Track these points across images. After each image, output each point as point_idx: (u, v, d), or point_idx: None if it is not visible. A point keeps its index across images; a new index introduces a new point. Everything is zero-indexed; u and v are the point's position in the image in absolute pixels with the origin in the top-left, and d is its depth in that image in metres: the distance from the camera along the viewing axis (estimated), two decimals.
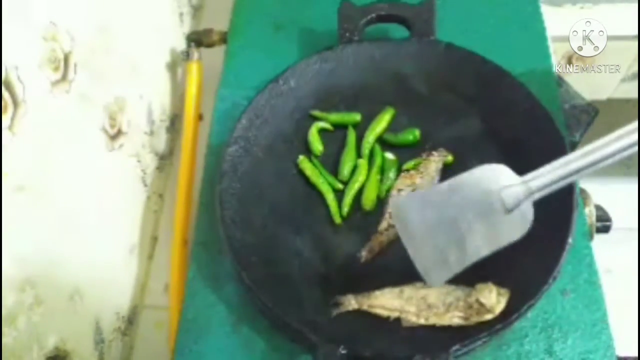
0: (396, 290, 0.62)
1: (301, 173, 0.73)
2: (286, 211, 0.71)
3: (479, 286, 0.60)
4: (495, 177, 0.57)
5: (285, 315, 0.60)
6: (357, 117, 0.76)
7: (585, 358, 0.61)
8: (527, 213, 0.56)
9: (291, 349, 0.63)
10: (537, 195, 0.56)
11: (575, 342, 0.62)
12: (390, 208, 0.64)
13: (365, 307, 0.62)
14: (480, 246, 0.57)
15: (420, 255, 0.59)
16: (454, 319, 0.60)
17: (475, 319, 0.59)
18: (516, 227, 0.57)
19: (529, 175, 0.56)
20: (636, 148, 0.51)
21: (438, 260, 0.59)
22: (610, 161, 0.53)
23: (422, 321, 0.60)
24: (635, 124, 0.51)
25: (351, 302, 0.62)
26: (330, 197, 0.71)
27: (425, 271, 0.59)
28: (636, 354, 0.66)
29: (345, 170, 0.73)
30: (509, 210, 0.56)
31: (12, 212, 0.53)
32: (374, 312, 0.62)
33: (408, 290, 0.62)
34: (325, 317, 0.62)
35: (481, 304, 0.59)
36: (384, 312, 0.62)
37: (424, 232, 0.59)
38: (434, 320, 0.60)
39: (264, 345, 0.64)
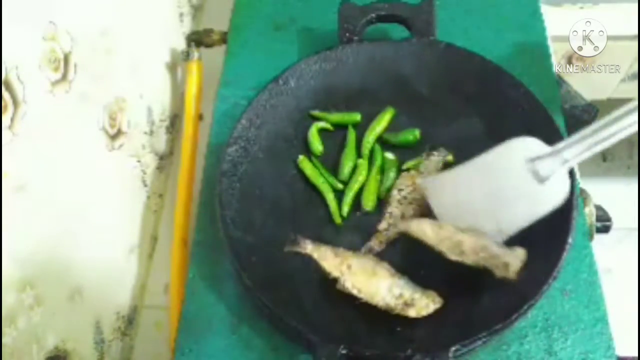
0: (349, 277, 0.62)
1: (301, 173, 0.73)
2: (286, 211, 0.70)
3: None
4: (526, 149, 0.57)
5: (285, 315, 0.60)
6: (357, 117, 0.76)
7: (585, 358, 0.61)
8: (562, 181, 0.56)
9: (291, 349, 0.63)
10: (570, 164, 0.56)
11: (575, 341, 0.62)
12: (423, 189, 0.63)
13: (315, 256, 0.62)
14: (517, 219, 0.57)
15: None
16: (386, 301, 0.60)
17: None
18: (552, 196, 0.57)
19: (560, 145, 0.56)
20: None
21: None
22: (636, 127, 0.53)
23: (358, 288, 0.60)
24: None
25: (306, 247, 0.63)
26: (330, 197, 0.71)
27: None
28: (636, 354, 0.66)
29: (345, 170, 0.73)
30: (543, 180, 0.56)
31: (12, 212, 0.53)
32: (322, 265, 0.62)
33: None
34: (325, 317, 0.62)
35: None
36: (329, 267, 0.62)
37: (458, 211, 0.59)
38: (370, 290, 0.60)
39: (264, 345, 0.64)
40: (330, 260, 0.63)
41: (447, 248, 0.60)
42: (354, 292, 0.62)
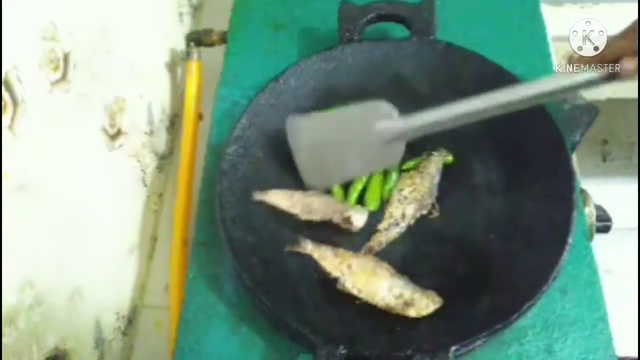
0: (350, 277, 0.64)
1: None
2: (286, 211, 0.70)
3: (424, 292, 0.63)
4: (379, 112, 0.65)
5: (285, 315, 0.60)
6: None
7: (585, 357, 0.61)
8: (398, 148, 0.65)
9: (291, 349, 0.63)
10: (410, 135, 0.65)
11: (575, 341, 0.62)
12: (287, 128, 0.69)
13: (315, 255, 0.64)
14: (358, 168, 0.69)
15: (306, 166, 0.69)
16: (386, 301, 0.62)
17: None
18: (389, 158, 0.67)
19: (407, 116, 0.64)
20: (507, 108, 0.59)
21: (321, 172, 0.69)
22: (486, 114, 0.60)
23: (358, 287, 0.62)
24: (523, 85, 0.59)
25: (306, 247, 0.65)
26: (336, 187, 0.71)
27: (308, 177, 0.69)
28: (636, 354, 0.66)
29: None
30: (384, 144, 0.65)
31: (12, 212, 0.53)
32: (322, 265, 0.64)
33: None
34: (325, 317, 0.62)
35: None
36: (329, 267, 0.64)
37: (313, 148, 0.68)
38: (370, 290, 0.62)
39: (264, 345, 0.64)
40: (330, 260, 0.64)
41: (299, 210, 0.69)
42: (354, 292, 0.62)
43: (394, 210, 0.69)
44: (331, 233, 0.69)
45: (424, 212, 0.69)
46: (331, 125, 0.69)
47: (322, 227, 0.69)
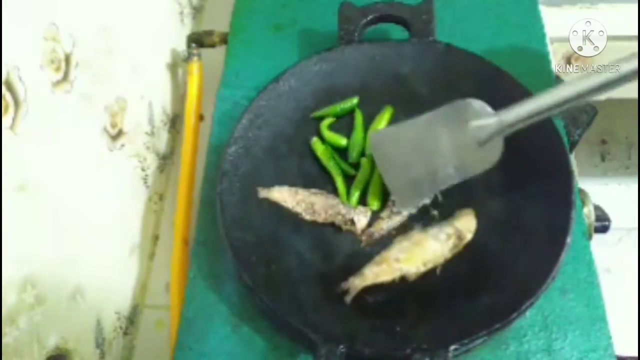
0: (388, 252, 0.64)
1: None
2: (286, 211, 0.71)
3: (457, 213, 0.66)
4: (469, 111, 0.60)
5: (285, 315, 0.60)
6: (354, 100, 0.77)
7: (584, 357, 0.62)
8: (497, 146, 0.60)
9: (291, 349, 0.63)
10: (507, 131, 0.59)
11: (574, 341, 0.62)
12: (369, 143, 0.67)
13: (369, 282, 0.62)
14: (452, 176, 0.62)
15: (396, 182, 0.65)
16: (446, 253, 0.64)
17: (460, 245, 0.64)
18: (486, 159, 0.60)
19: (502, 111, 0.59)
20: (607, 88, 0.55)
21: (412, 187, 0.64)
22: (581, 100, 0.56)
23: (422, 268, 0.63)
24: (615, 63, 0.55)
25: (355, 283, 0.62)
26: (339, 180, 0.72)
27: (399, 197, 0.65)
28: (636, 354, 0.66)
29: (355, 153, 0.74)
30: (480, 144, 0.60)
31: (13, 211, 0.53)
32: (380, 282, 0.63)
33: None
34: (325, 316, 0.62)
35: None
36: (388, 277, 0.63)
37: (400, 162, 0.64)
38: (431, 264, 0.63)
39: (264, 345, 0.64)
40: (379, 272, 0.63)
41: (303, 209, 0.69)
42: (423, 270, 0.63)
43: None
44: (332, 232, 0.69)
45: (427, 201, 0.69)
46: (419, 133, 0.64)
47: (323, 226, 0.69)
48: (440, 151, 0.62)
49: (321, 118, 0.77)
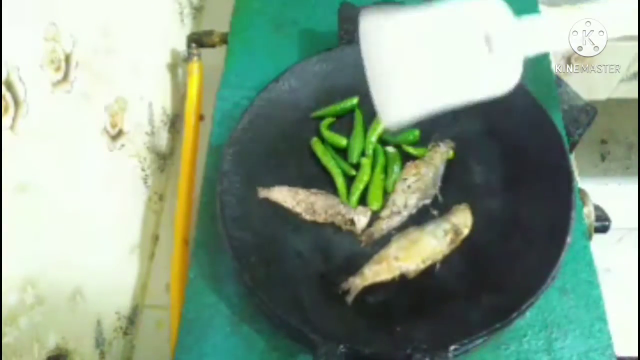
0: (387, 251, 0.65)
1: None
2: (286, 211, 0.71)
3: (453, 209, 0.66)
4: (490, 13, 0.50)
5: (285, 315, 0.60)
6: (354, 100, 0.77)
7: (584, 357, 0.62)
8: (514, 65, 0.50)
9: (291, 349, 0.63)
10: (530, 50, 0.50)
11: (574, 341, 0.63)
12: (360, 29, 0.52)
13: (369, 281, 0.63)
14: (456, 91, 0.50)
15: (383, 84, 0.51)
16: (444, 249, 0.64)
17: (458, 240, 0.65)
18: (501, 76, 0.50)
19: (527, 19, 0.50)
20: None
21: (404, 92, 0.51)
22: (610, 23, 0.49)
23: (421, 266, 0.63)
24: None
25: (356, 282, 0.63)
26: (340, 181, 0.72)
27: (384, 103, 0.52)
28: (636, 354, 0.66)
29: (355, 153, 0.74)
30: (496, 55, 0.49)
31: (13, 212, 0.53)
32: (379, 281, 0.63)
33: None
34: (325, 316, 0.62)
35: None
36: (388, 275, 0.63)
37: (394, 60, 0.50)
38: (430, 261, 0.64)
39: (264, 345, 0.64)
40: (379, 271, 0.63)
41: (303, 209, 0.69)
42: (422, 267, 0.64)
43: (397, 198, 0.69)
44: (332, 232, 0.69)
45: (427, 202, 0.69)
46: (425, 27, 0.50)
47: (323, 226, 0.69)
48: (448, 55, 0.49)
49: (321, 118, 0.77)
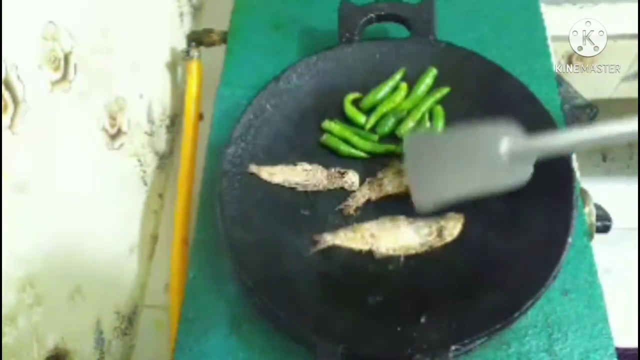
0: (368, 224, 0.68)
1: None
2: (286, 211, 0.71)
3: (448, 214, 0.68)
4: (502, 134, 0.62)
5: (285, 315, 0.60)
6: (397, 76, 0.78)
7: (585, 357, 0.61)
8: (525, 169, 0.61)
9: (291, 349, 0.63)
10: (535, 156, 0.61)
11: (575, 341, 0.62)
12: (404, 144, 0.69)
13: (339, 243, 0.66)
14: (476, 187, 0.63)
15: (420, 184, 0.66)
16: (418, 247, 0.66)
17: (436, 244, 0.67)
18: (512, 178, 0.61)
19: (535, 137, 0.61)
20: (635, 137, 0.55)
21: (435, 190, 0.65)
22: (609, 142, 0.59)
23: (390, 252, 0.65)
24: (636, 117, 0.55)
25: (326, 238, 0.66)
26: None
27: (420, 196, 0.65)
28: (636, 353, 0.66)
29: (392, 120, 0.75)
30: (509, 164, 0.61)
31: (12, 211, 0.53)
32: (347, 246, 0.66)
33: (384, 222, 0.69)
34: (325, 317, 0.62)
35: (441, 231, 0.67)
36: (357, 246, 0.66)
37: (429, 166, 0.66)
38: (401, 252, 0.66)
39: (264, 345, 0.64)
40: (353, 239, 0.66)
41: (303, 178, 0.71)
42: (391, 252, 0.65)
43: (387, 174, 0.71)
44: (330, 226, 0.69)
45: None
46: (453, 143, 0.66)
47: (320, 221, 0.69)
48: (470, 163, 0.64)
49: (323, 118, 0.76)
